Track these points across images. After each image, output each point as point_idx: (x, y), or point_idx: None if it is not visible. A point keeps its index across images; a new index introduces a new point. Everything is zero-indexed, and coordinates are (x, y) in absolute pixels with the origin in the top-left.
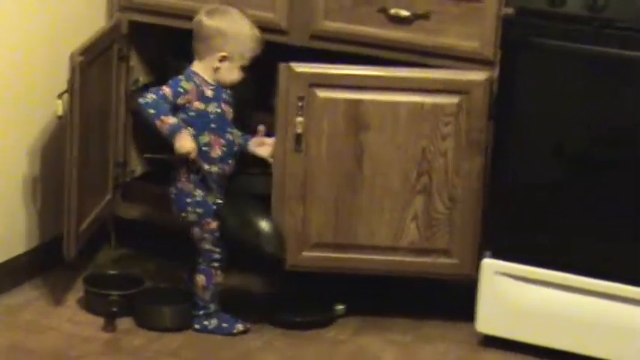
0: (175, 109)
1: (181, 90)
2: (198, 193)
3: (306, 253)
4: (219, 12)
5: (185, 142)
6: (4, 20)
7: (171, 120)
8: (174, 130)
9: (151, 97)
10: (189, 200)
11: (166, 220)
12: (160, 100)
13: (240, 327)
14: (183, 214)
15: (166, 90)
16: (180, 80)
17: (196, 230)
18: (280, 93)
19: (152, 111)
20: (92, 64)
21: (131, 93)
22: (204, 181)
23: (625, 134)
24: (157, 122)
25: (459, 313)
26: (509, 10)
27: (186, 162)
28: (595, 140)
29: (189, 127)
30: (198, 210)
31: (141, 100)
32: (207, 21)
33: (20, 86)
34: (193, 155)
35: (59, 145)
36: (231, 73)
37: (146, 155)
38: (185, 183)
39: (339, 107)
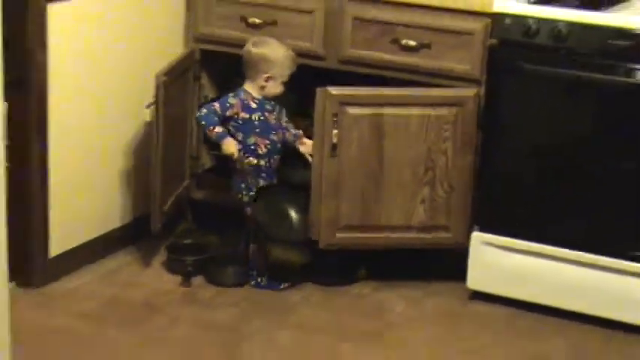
0: (226, 119)
1: (228, 104)
2: (250, 181)
3: (338, 234)
4: (262, 42)
5: (228, 147)
6: (109, 48)
7: (218, 129)
8: (220, 138)
9: (204, 111)
10: (242, 185)
11: (227, 202)
12: (211, 114)
13: (284, 284)
14: (239, 195)
15: (216, 105)
16: (229, 97)
17: (248, 209)
18: (317, 110)
19: (204, 122)
20: (173, 82)
21: (202, 105)
22: (254, 171)
23: (583, 134)
24: (207, 131)
25: (454, 275)
26: (493, 41)
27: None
28: (560, 141)
29: (238, 132)
30: (250, 193)
31: (197, 114)
32: (254, 50)
33: (118, 98)
34: (236, 156)
35: (147, 143)
36: (275, 88)
37: (213, 152)
38: (240, 172)
39: (365, 120)
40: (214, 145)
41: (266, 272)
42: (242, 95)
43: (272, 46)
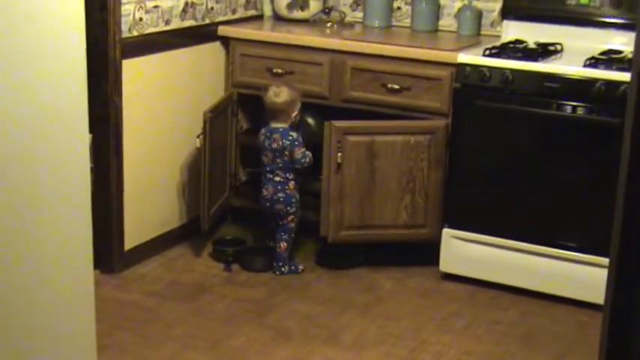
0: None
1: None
2: (297, 196)
3: (343, 232)
4: (280, 92)
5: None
6: (169, 92)
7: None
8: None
9: (307, 154)
10: (294, 200)
11: (259, 207)
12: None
13: (301, 267)
14: (288, 208)
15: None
16: (298, 137)
17: (292, 217)
18: (325, 139)
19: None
20: (216, 117)
21: (238, 134)
22: (298, 189)
23: (525, 154)
24: (309, 161)
25: (429, 261)
26: (457, 85)
27: (299, 179)
28: (508, 159)
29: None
30: (297, 205)
31: (308, 160)
32: (279, 100)
33: (176, 130)
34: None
35: (198, 164)
36: (298, 117)
37: (247, 169)
38: (293, 190)
39: (361, 146)
40: (247, 164)
41: (287, 263)
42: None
43: (287, 91)
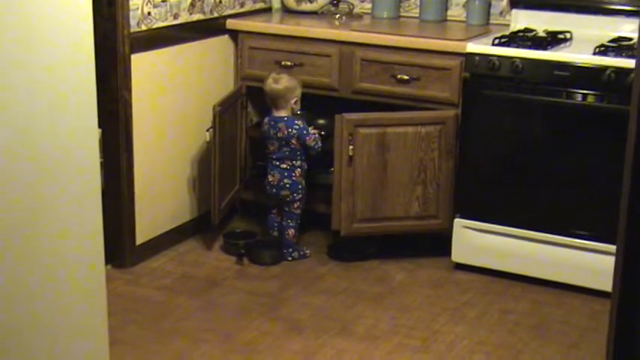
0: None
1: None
2: (304, 182)
3: (355, 225)
4: (279, 78)
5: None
6: (178, 86)
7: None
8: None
9: (319, 141)
10: (300, 187)
11: (268, 200)
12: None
13: (307, 252)
14: (294, 194)
15: (309, 129)
16: (304, 124)
17: (297, 203)
18: (336, 131)
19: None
20: (226, 111)
21: (248, 127)
22: (304, 175)
23: (534, 143)
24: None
25: (441, 252)
26: (466, 74)
27: (303, 167)
28: (518, 148)
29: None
30: (303, 192)
31: (320, 146)
32: (278, 86)
33: (186, 124)
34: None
35: (208, 158)
36: (298, 106)
37: (258, 162)
38: (299, 177)
39: (372, 138)
40: (257, 158)
41: (297, 248)
42: (298, 119)
43: (287, 78)
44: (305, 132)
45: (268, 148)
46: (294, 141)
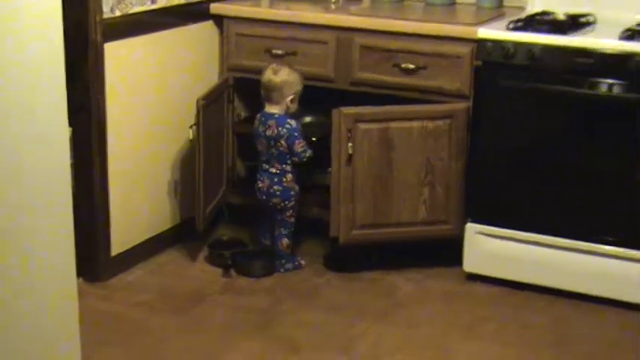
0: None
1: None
2: (296, 188)
3: (354, 232)
4: (279, 70)
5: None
6: (157, 78)
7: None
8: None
9: (308, 150)
10: (292, 194)
11: (256, 205)
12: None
13: (302, 262)
14: (286, 202)
15: (302, 137)
16: (296, 124)
17: (290, 211)
18: (334, 127)
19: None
20: (211, 105)
21: (235, 123)
22: (298, 180)
23: (554, 138)
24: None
25: (452, 261)
26: (479, 63)
27: (298, 169)
28: (536, 144)
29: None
30: (296, 198)
31: (308, 154)
32: (277, 78)
33: (166, 120)
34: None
35: (192, 157)
36: (295, 106)
37: (246, 163)
38: (290, 182)
39: (374, 134)
40: (246, 157)
41: (290, 259)
42: (292, 118)
43: (287, 71)
44: (296, 134)
45: (257, 148)
46: (282, 142)
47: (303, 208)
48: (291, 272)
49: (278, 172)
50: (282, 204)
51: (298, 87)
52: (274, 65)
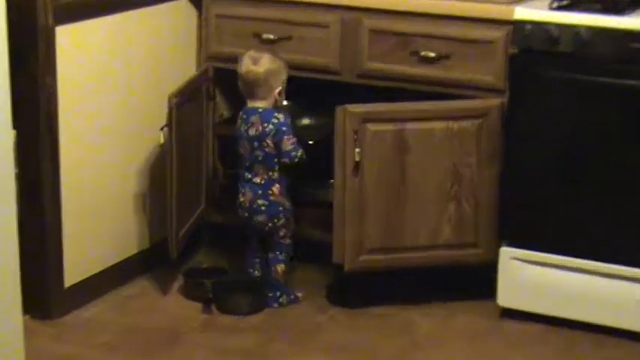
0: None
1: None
2: (287, 203)
3: (363, 257)
4: (259, 58)
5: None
6: (120, 69)
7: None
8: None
9: (299, 150)
10: (281, 209)
11: (237, 225)
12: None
13: (299, 295)
14: (275, 220)
15: (292, 134)
16: (286, 121)
17: (283, 231)
18: (337, 129)
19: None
20: (186, 102)
21: (217, 124)
22: (287, 194)
23: (609, 142)
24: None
25: (483, 293)
26: (515, 50)
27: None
28: (586, 149)
29: None
30: (287, 215)
31: (299, 154)
32: (258, 69)
33: (131, 121)
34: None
35: (162, 166)
36: (283, 99)
37: (229, 171)
38: (278, 196)
39: (387, 136)
40: (231, 164)
41: (286, 291)
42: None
43: (269, 58)
44: (284, 129)
45: (239, 152)
46: (268, 141)
47: (300, 230)
48: (285, 307)
49: (263, 182)
50: (270, 224)
51: (284, 75)
52: (251, 52)
